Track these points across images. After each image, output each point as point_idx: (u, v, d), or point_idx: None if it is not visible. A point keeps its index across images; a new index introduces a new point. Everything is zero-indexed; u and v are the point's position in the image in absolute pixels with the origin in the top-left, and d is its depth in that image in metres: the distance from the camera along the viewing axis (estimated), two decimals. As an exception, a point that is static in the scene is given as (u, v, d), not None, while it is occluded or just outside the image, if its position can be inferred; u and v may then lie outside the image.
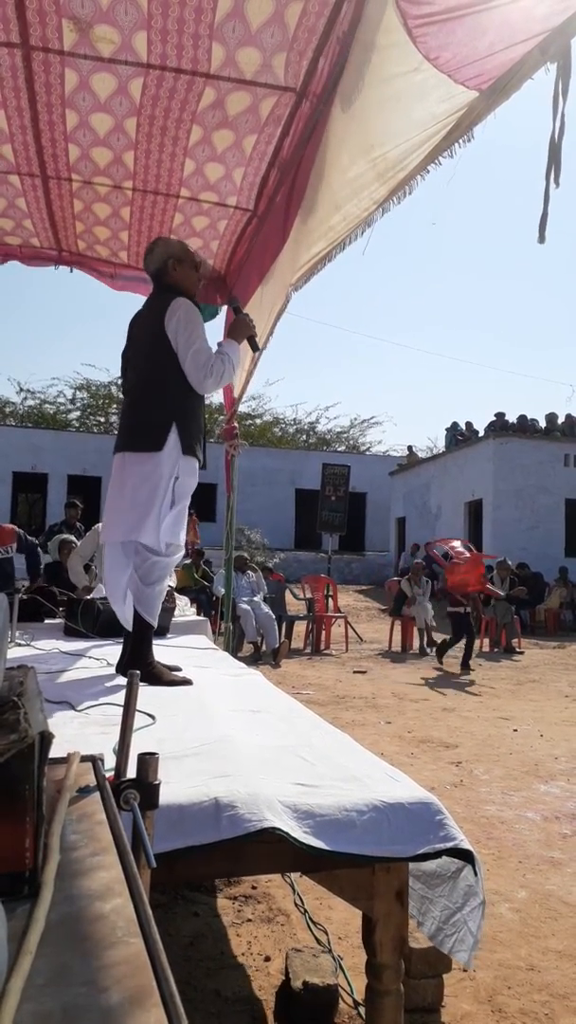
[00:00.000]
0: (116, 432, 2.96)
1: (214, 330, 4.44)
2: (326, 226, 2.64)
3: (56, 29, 2.49)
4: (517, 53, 1.78)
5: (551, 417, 18.98)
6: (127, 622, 2.78)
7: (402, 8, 1.76)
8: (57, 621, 4.18)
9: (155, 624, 2.78)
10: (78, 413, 28.77)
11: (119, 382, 3.61)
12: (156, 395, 2.75)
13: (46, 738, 0.72)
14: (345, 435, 31.28)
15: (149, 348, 2.79)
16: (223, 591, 5.59)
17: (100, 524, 5.35)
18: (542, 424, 18.99)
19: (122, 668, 2.73)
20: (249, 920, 2.56)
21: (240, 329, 2.94)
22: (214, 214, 3.70)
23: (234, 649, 6.56)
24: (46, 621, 4.25)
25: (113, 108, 2.90)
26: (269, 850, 1.40)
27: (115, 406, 27.58)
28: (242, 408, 5.12)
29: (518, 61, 1.79)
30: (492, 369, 54.38)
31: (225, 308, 4.41)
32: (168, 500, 2.73)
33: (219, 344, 2.84)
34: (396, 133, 2.17)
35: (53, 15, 2.44)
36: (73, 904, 0.64)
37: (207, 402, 3.08)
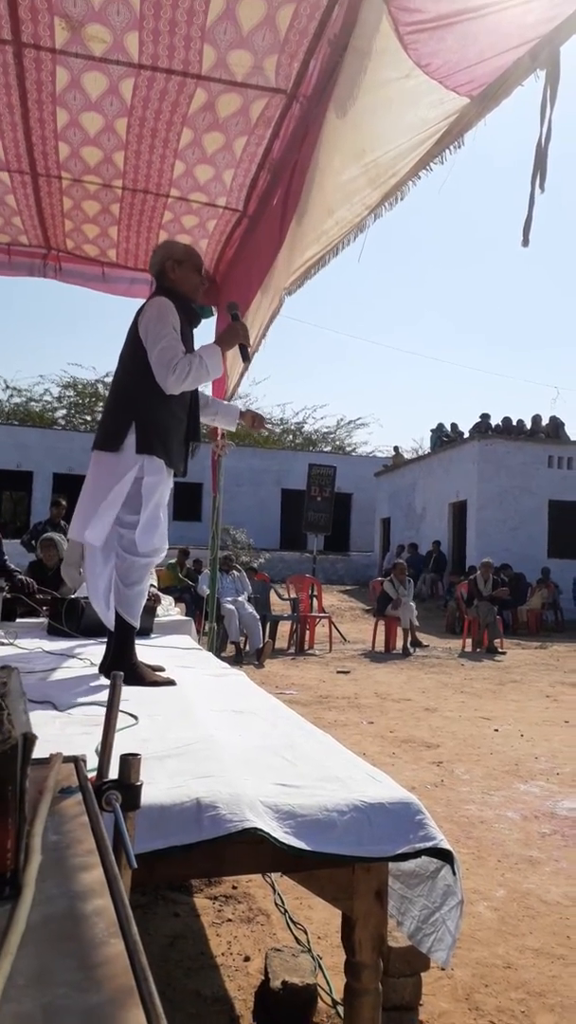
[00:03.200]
0: None
1: (207, 330, 4.44)
2: (319, 231, 2.65)
3: (48, 27, 2.49)
4: (507, 60, 1.80)
5: (536, 419, 19.10)
6: (111, 623, 2.77)
7: (394, 15, 1.77)
8: (39, 620, 4.16)
9: (136, 625, 2.77)
10: (64, 411, 28.64)
11: (106, 380, 3.64)
12: (120, 395, 2.78)
13: (29, 739, 0.72)
14: (331, 436, 31.33)
15: (126, 349, 2.80)
16: (208, 591, 5.59)
17: None
18: (527, 426, 19.11)
19: (105, 669, 2.72)
20: (229, 920, 2.57)
21: (231, 336, 2.87)
22: (203, 214, 3.70)
23: (217, 649, 6.56)
24: (18, 620, 4.21)
25: (104, 108, 2.90)
26: (250, 850, 1.40)
27: (101, 404, 27.46)
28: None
29: (508, 68, 1.81)
30: (478, 371, 54.67)
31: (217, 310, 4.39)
32: (119, 499, 2.70)
33: (200, 347, 2.79)
34: (388, 138, 2.18)
35: (45, 12, 2.43)
36: (54, 905, 0.65)
37: None
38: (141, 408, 2.72)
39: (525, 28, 1.72)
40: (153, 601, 4.05)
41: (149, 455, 2.72)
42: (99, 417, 27.46)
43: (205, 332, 3.58)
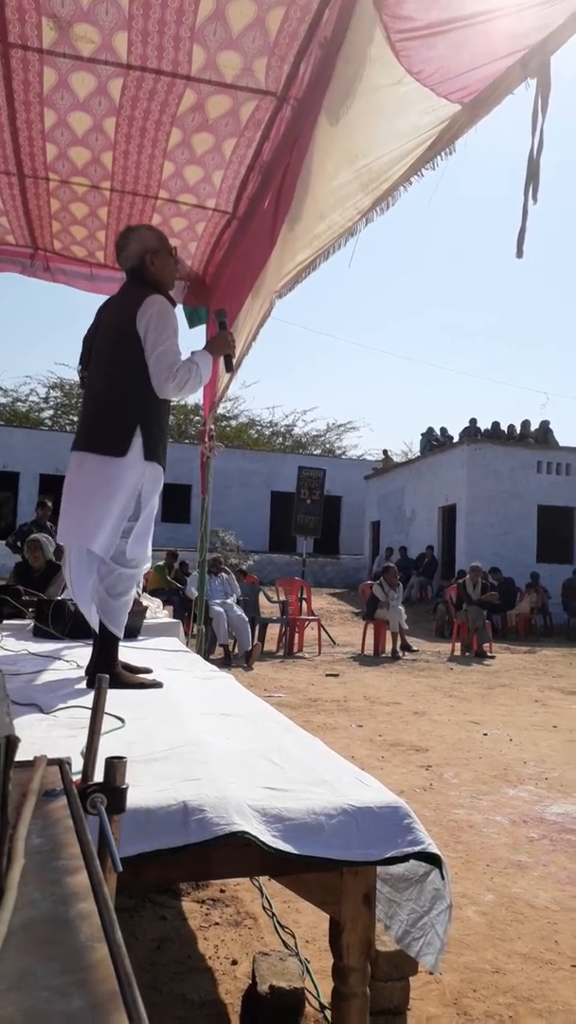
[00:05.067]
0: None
1: (199, 336, 4.44)
2: (311, 235, 2.64)
3: (35, 27, 2.47)
4: (499, 68, 1.81)
5: (525, 424, 19.20)
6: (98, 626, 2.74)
7: (385, 23, 1.77)
8: (25, 621, 4.14)
9: (121, 636, 2.70)
10: (51, 412, 28.55)
11: (78, 368, 3.44)
12: (122, 396, 2.64)
13: (12, 742, 0.71)
14: (321, 439, 31.37)
15: (116, 345, 2.68)
16: (196, 593, 5.57)
17: None
18: (517, 430, 19.20)
19: (90, 674, 2.69)
20: (216, 924, 2.55)
21: (219, 345, 2.83)
22: (193, 216, 3.70)
23: (206, 652, 6.55)
24: (4, 622, 4.19)
25: (92, 107, 2.88)
26: (237, 854, 1.40)
27: (89, 405, 27.40)
28: (218, 409, 5.13)
29: (499, 76, 1.82)
30: (468, 376, 54.91)
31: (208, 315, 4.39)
32: (128, 510, 2.63)
33: (193, 353, 2.72)
34: (380, 144, 2.18)
35: (33, 12, 2.42)
36: (37, 909, 0.64)
37: (183, 403, 3.02)
38: (146, 412, 2.63)
39: (517, 37, 1.73)
40: (137, 607, 4.02)
41: (154, 463, 2.65)
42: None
43: (195, 337, 3.56)
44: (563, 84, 1.74)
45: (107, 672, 2.50)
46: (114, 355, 2.69)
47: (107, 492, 2.59)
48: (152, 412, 2.66)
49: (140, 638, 3.85)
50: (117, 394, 2.65)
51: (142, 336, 2.61)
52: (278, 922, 2.56)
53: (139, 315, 2.62)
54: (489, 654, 11.25)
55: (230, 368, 2.99)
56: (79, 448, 2.69)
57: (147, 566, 2.83)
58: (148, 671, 2.78)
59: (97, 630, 2.72)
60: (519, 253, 1.78)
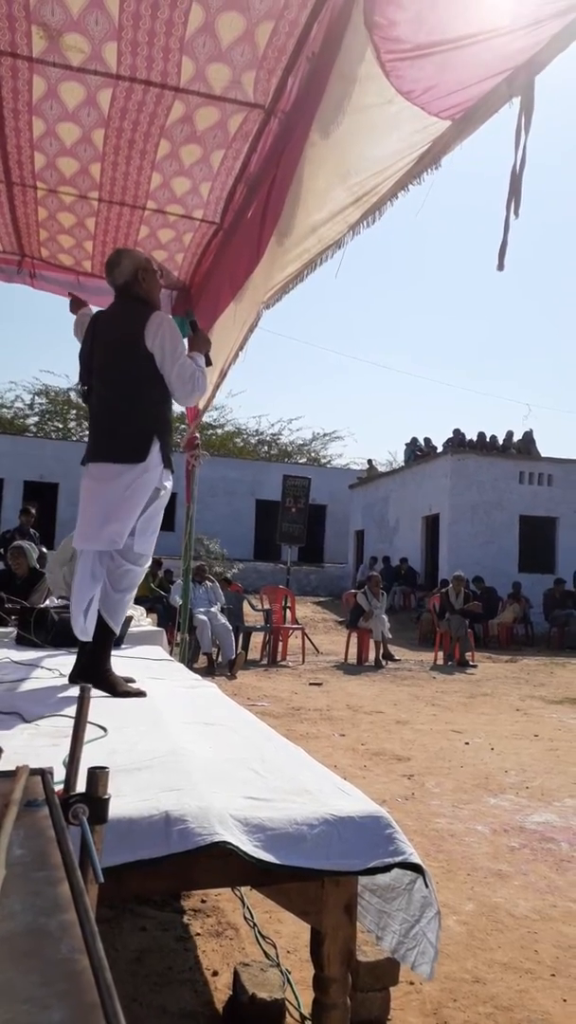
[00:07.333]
0: (86, 440, 2.99)
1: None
2: (301, 248, 2.67)
3: (25, 35, 2.48)
4: (487, 87, 1.84)
5: (508, 435, 19.34)
6: (83, 633, 2.75)
7: (376, 43, 1.80)
8: (7, 629, 4.11)
9: (117, 631, 2.79)
10: (36, 418, 28.42)
11: (77, 386, 3.58)
12: (137, 407, 2.77)
13: (-5, 752, 0.72)
14: (307, 448, 31.41)
15: (125, 360, 2.79)
16: (180, 601, 5.56)
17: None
18: (500, 441, 19.33)
19: (75, 677, 2.70)
20: (198, 934, 2.54)
21: (203, 343, 2.99)
22: (180, 226, 3.71)
23: (189, 660, 6.53)
24: None
25: (81, 118, 2.89)
26: (219, 864, 1.40)
27: (74, 412, 27.36)
28: (204, 418, 5.15)
29: (486, 94, 1.85)
30: (452, 387, 55.15)
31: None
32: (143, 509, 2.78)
33: (192, 357, 2.86)
34: (374, 161, 2.21)
35: (23, 20, 2.43)
36: (17, 920, 0.64)
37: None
38: (161, 422, 2.80)
39: (504, 58, 1.76)
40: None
41: (168, 469, 2.82)
42: (72, 425, 27.33)
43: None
44: (547, 103, 1.77)
45: (99, 670, 2.57)
46: (123, 370, 2.80)
47: (132, 498, 2.73)
48: (164, 422, 2.83)
49: (124, 646, 3.83)
50: (134, 408, 2.78)
51: (157, 353, 2.73)
52: (259, 932, 2.55)
53: (147, 333, 2.73)
54: (471, 663, 11.28)
55: (209, 362, 3.11)
56: (99, 459, 2.79)
57: (148, 565, 2.92)
58: (132, 680, 2.78)
59: (83, 638, 2.75)
60: (500, 266, 1.81)
